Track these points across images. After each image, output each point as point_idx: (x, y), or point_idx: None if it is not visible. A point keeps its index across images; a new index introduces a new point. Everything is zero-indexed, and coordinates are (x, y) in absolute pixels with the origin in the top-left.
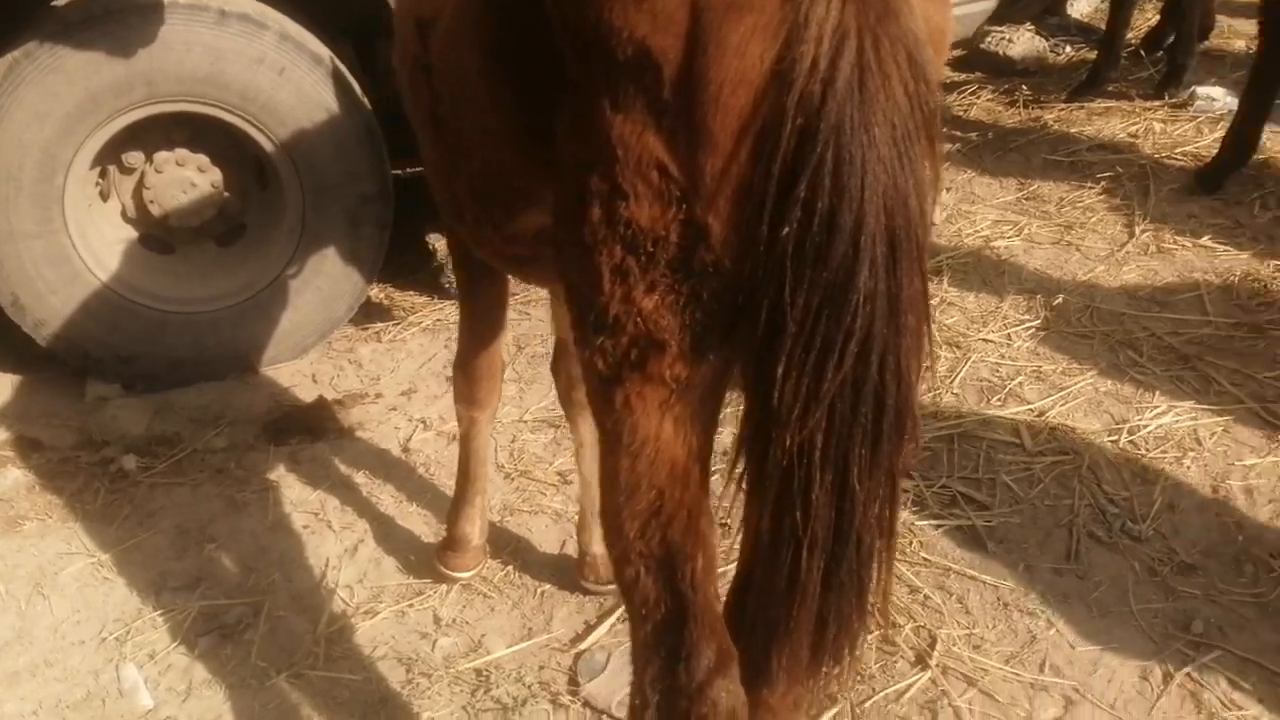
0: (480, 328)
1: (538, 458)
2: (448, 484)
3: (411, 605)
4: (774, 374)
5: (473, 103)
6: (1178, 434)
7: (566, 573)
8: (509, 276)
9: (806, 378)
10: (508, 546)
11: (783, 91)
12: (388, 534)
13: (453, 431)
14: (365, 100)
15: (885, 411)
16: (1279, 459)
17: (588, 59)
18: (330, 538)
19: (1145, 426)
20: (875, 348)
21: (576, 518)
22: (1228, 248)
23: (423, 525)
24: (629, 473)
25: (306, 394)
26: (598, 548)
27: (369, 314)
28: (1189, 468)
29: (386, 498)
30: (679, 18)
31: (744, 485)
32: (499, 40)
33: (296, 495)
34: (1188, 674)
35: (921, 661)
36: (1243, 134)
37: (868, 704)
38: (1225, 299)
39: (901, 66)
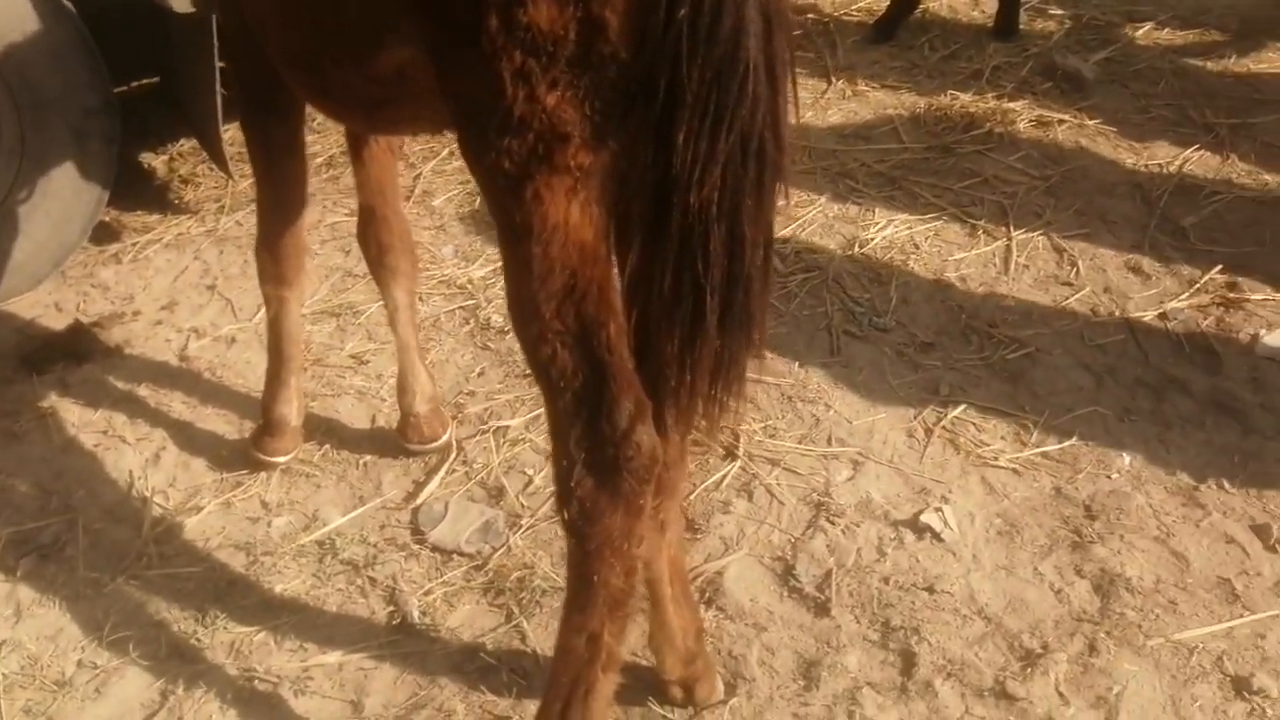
0: (284, 206)
1: (327, 346)
2: (238, 384)
3: (234, 496)
4: (674, 142)
5: None
6: (899, 242)
7: (384, 442)
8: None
9: (704, 141)
10: (319, 430)
11: None
12: (189, 438)
13: (230, 335)
14: (73, 7)
15: (766, 165)
16: (980, 251)
17: None
18: (128, 451)
19: (872, 239)
20: (759, 109)
21: (395, 381)
22: (909, 85)
23: (224, 424)
24: (542, 259)
25: (56, 322)
26: (421, 407)
27: (101, 238)
28: (913, 268)
29: (177, 405)
30: None
31: (639, 252)
32: None
33: (78, 417)
34: (943, 426)
35: (730, 454)
36: None
37: (692, 497)
38: (916, 128)
39: None
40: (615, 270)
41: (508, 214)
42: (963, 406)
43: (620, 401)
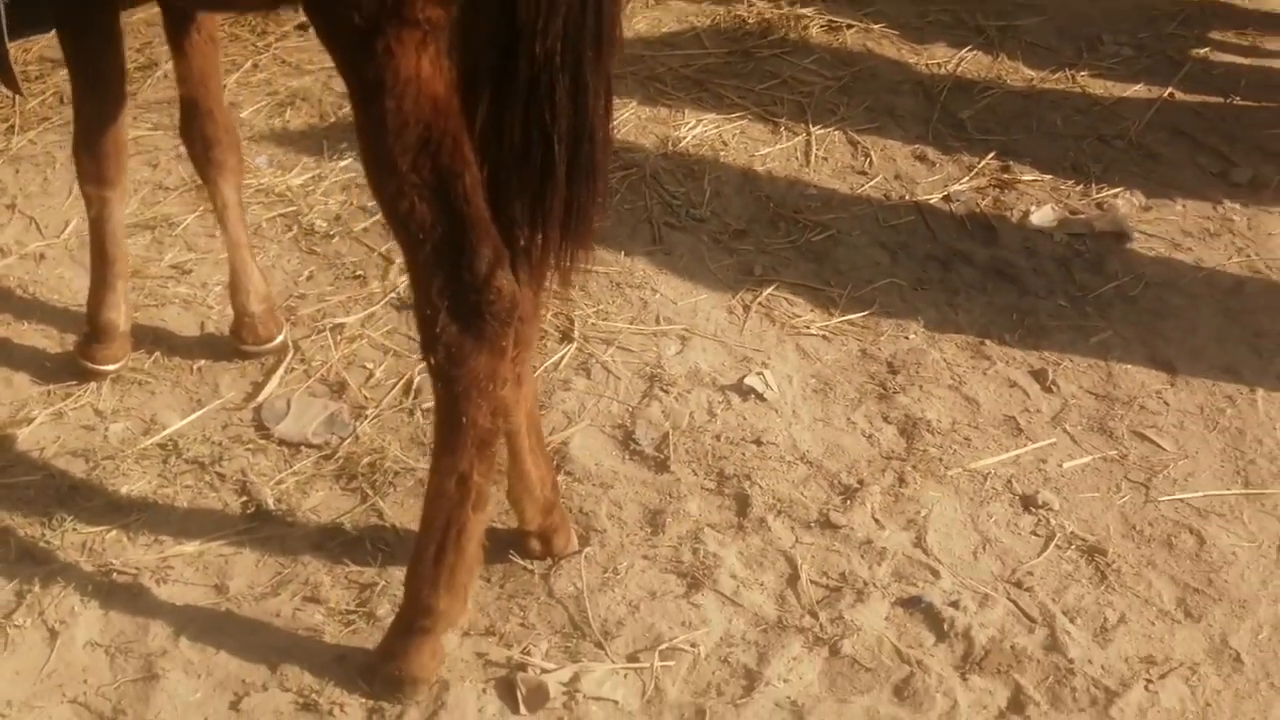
0: (102, 101)
1: (144, 258)
2: (54, 299)
3: (66, 406)
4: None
5: None
6: (709, 140)
7: (216, 347)
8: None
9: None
10: (147, 339)
11: None
12: (8, 354)
13: (38, 252)
14: None
15: (603, 19)
16: (783, 146)
17: None
18: None
19: (684, 138)
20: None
21: (221, 289)
22: None
23: (44, 340)
24: (396, 113)
25: None
26: (256, 307)
27: None
28: (723, 162)
29: None
30: None
31: (489, 105)
32: None
33: None
34: (759, 302)
35: (566, 337)
36: None
37: (535, 377)
38: (717, 35)
39: None
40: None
41: (360, 71)
42: (775, 285)
43: (480, 249)
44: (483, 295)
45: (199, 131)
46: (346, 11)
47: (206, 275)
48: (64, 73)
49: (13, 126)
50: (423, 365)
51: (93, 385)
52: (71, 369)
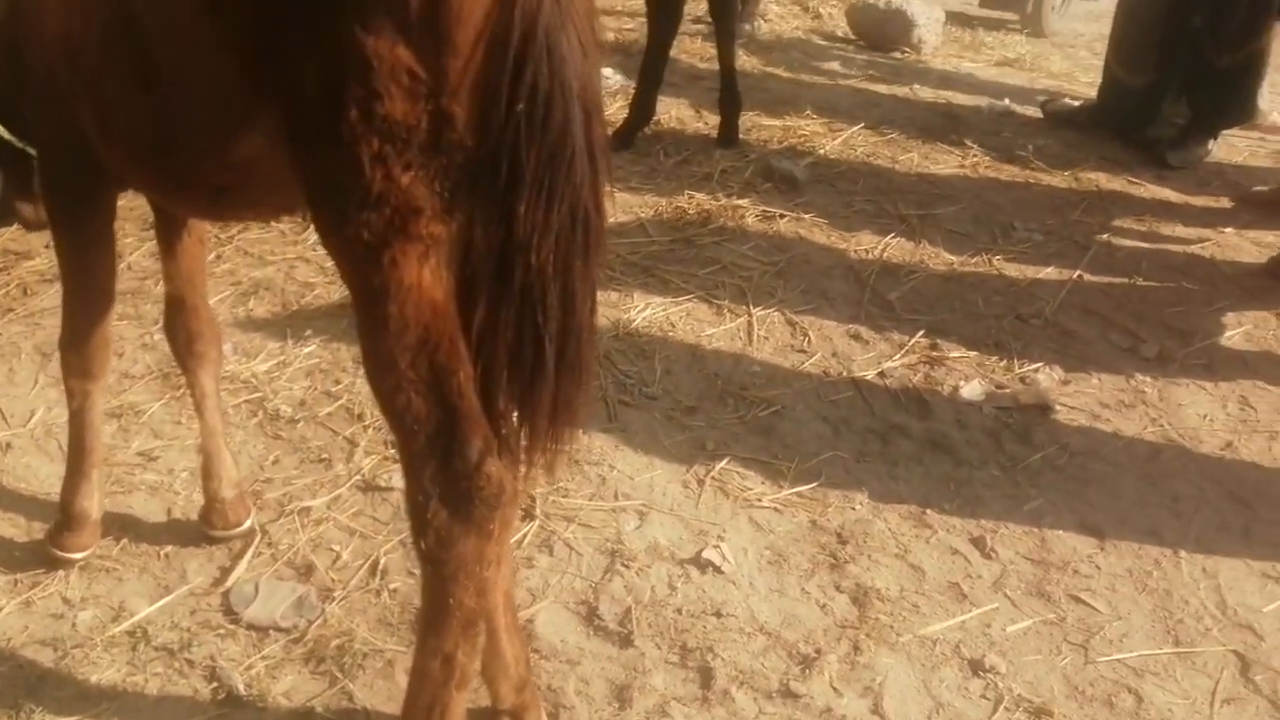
0: (93, 299)
1: (111, 445)
2: (21, 488)
3: (33, 595)
4: (516, 214)
5: (192, 47)
6: (658, 321)
7: (183, 533)
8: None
9: (540, 212)
10: (114, 526)
11: (507, 7)
12: None
13: (4, 442)
14: None
15: (590, 231)
16: (727, 326)
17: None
18: None
19: (634, 320)
20: (585, 183)
21: (188, 474)
22: (650, 187)
23: (9, 528)
24: (397, 317)
25: None
26: (227, 493)
27: None
28: (671, 342)
29: None
30: None
31: (485, 308)
32: None
33: None
34: (712, 477)
35: (528, 514)
36: (643, 100)
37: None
38: (660, 224)
39: None
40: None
41: (364, 279)
42: (727, 459)
43: (471, 440)
44: (473, 482)
45: (183, 326)
46: (356, 230)
47: (173, 461)
48: (27, 265)
49: None
50: (388, 546)
51: (61, 573)
52: (40, 557)
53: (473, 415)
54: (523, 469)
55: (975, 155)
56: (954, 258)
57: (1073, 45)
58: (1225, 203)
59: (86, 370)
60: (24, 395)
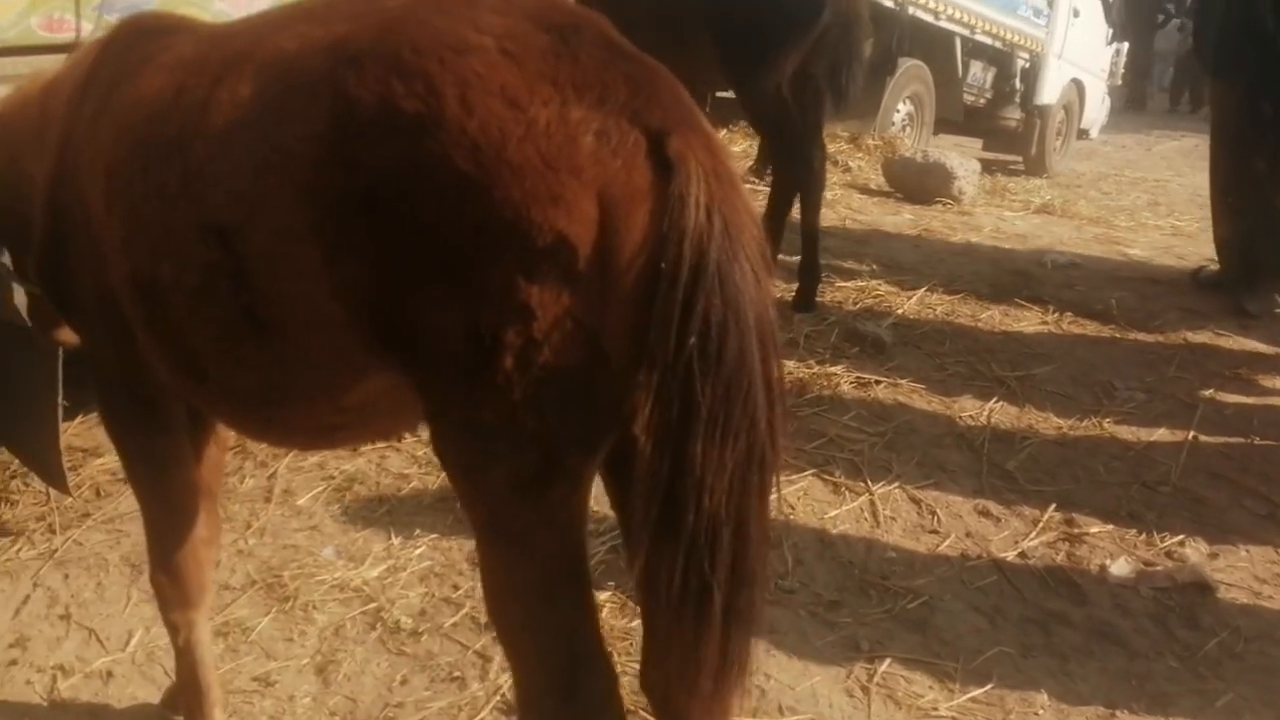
0: (177, 522)
1: (220, 671)
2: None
3: None
4: (689, 453)
5: (312, 296)
6: (777, 503)
7: None
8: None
9: (716, 450)
10: None
11: (676, 243)
12: None
13: (104, 670)
14: None
15: (766, 468)
16: (849, 507)
17: (496, 247)
18: None
19: None
20: (761, 418)
21: (308, 701)
22: None
23: None
24: (536, 556)
25: None
26: None
27: None
28: (796, 527)
29: None
30: (591, 211)
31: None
32: (347, 233)
33: None
34: (876, 683)
35: None
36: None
37: None
38: None
39: (747, 217)
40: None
41: (505, 519)
42: (887, 661)
43: (593, 682)
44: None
45: None
46: (504, 473)
47: (292, 687)
48: (97, 462)
49: (51, 525)
50: None
51: None
52: None
53: (599, 656)
54: None
55: (1055, 311)
56: (1062, 421)
57: (1079, 185)
58: None
59: (185, 599)
60: (118, 614)
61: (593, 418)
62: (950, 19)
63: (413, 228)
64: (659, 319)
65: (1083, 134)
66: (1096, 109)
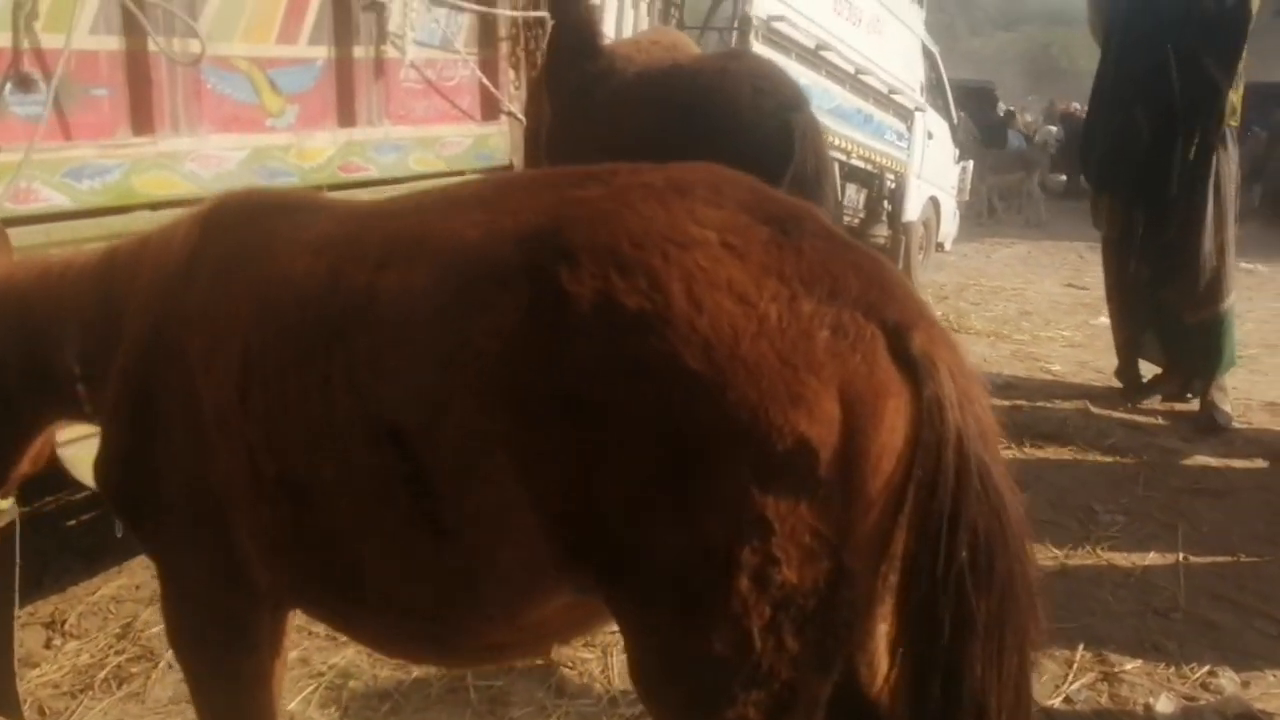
0: None
1: None
2: None
3: None
4: (971, 669)
5: (504, 505)
6: None
7: None
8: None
9: (994, 667)
10: None
11: (937, 449)
12: None
13: None
14: None
15: (1028, 680)
16: None
17: (729, 453)
18: None
19: None
20: (1031, 624)
21: None
22: None
23: None
24: None
25: None
26: None
27: None
28: None
29: None
30: (833, 411)
31: None
32: (548, 438)
33: None
34: None
35: None
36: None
37: None
38: None
39: (987, 412)
40: None
41: None
42: None
43: None
44: None
45: None
46: (740, 711)
47: None
48: (35, 674)
49: None
50: None
51: None
52: None
53: None
54: None
55: (1014, 435)
56: (1058, 550)
57: (946, 296)
58: (1260, 462)
59: None
60: None
61: (834, 640)
62: (832, 146)
63: (627, 433)
64: (923, 531)
65: (939, 247)
66: (950, 222)
